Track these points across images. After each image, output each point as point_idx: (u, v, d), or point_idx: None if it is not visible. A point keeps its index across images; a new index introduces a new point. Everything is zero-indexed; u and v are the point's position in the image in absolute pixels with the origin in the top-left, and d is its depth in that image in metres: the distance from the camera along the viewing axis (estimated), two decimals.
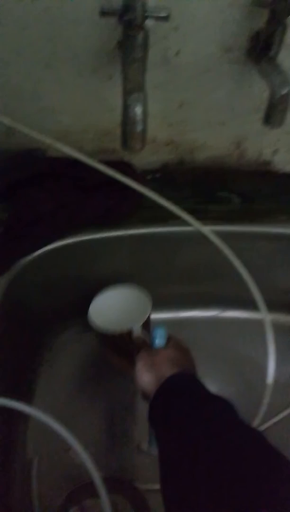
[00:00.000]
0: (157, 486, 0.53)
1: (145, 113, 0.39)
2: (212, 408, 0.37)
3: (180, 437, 0.36)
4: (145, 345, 0.51)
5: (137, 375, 0.46)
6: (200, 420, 0.36)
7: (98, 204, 0.57)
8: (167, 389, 0.41)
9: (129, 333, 0.54)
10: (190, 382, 0.42)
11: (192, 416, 0.37)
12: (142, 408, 0.60)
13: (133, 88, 0.39)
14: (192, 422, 0.36)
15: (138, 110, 0.38)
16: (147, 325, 0.57)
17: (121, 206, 0.58)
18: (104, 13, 0.39)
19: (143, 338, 0.53)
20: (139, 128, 0.38)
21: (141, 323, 0.55)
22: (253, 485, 0.29)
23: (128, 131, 0.39)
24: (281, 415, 0.61)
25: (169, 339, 0.50)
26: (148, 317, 0.57)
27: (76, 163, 0.56)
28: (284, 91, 0.42)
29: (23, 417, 0.55)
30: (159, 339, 0.50)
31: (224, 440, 0.33)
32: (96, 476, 0.42)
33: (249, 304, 0.61)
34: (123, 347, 0.55)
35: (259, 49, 0.49)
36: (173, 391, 0.41)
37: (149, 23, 0.46)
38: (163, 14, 0.41)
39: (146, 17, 0.39)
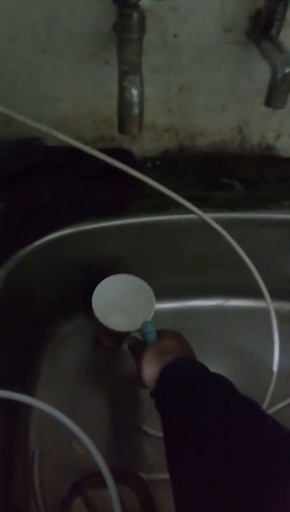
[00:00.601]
0: (161, 476, 0.53)
1: (141, 95, 0.38)
2: (212, 386, 0.38)
3: (184, 420, 0.36)
4: (139, 342, 0.53)
5: (141, 373, 0.46)
6: (202, 400, 0.36)
7: (99, 193, 0.56)
8: (167, 375, 0.42)
9: (127, 332, 0.55)
10: (189, 365, 0.43)
11: (193, 397, 0.37)
12: (145, 396, 0.60)
13: (129, 69, 0.37)
14: (193, 404, 0.36)
15: (134, 92, 0.37)
16: None
17: (122, 195, 0.57)
18: None
19: (136, 337, 0.54)
20: (135, 111, 0.37)
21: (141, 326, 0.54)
22: (258, 466, 0.29)
23: (124, 114, 0.38)
24: (286, 402, 0.61)
25: (160, 331, 0.51)
26: None
27: (75, 151, 0.55)
28: (286, 70, 0.41)
29: (25, 409, 0.55)
30: (150, 335, 0.50)
31: (228, 419, 0.33)
32: (104, 467, 0.42)
33: (253, 292, 0.60)
34: (116, 335, 0.56)
35: (260, 29, 0.47)
36: (173, 376, 0.41)
37: (145, 3, 0.45)
38: None
39: None
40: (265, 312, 0.59)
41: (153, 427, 0.58)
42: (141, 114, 0.38)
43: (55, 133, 0.54)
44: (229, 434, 0.32)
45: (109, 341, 0.60)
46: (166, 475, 0.52)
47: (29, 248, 0.53)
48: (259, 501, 0.27)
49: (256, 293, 0.59)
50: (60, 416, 0.43)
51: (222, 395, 0.37)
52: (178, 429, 0.36)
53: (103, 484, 0.42)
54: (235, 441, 0.31)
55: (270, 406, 0.58)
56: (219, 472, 0.30)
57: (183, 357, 0.44)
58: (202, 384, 0.38)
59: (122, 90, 0.37)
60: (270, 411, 0.59)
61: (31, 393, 0.58)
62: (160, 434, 0.57)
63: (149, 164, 0.63)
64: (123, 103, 0.37)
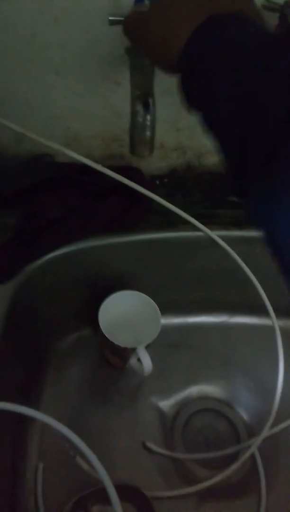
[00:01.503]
0: (164, 493, 0.53)
1: (153, 119, 0.39)
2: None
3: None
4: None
5: (143, 39, 0.33)
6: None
7: (108, 210, 0.58)
8: (200, 41, 0.27)
9: (132, 348, 0.55)
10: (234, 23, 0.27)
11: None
12: (149, 412, 0.61)
13: (141, 94, 0.39)
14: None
15: (146, 116, 0.38)
16: None
17: (131, 211, 0.58)
18: (113, 22, 0.39)
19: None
20: (147, 134, 0.39)
21: (147, 344, 0.55)
22: None
23: (136, 137, 0.39)
24: None
25: None
26: None
27: (85, 169, 0.57)
28: None
29: (29, 422, 0.55)
30: None
31: None
32: (109, 484, 0.41)
33: (258, 309, 0.60)
34: (121, 351, 0.56)
35: None
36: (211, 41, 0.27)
37: None
38: None
39: None
40: (269, 329, 0.59)
41: (156, 444, 0.58)
42: (152, 137, 0.39)
43: (66, 150, 0.55)
44: None
45: (114, 356, 0.60)
46: (168, 493, 0.53)
47: (37, 263, 0.54)
48: None
49: (261, 310, 0.60)
50: (65, 430, 0.43)
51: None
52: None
53: (107, 500, 0.42)
54: None
55: (274, 424, 0.58)
56: None
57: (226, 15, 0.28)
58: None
59: (135, 114, 0.38)
60: (274, 430, 0.59)
61: (36, 407, 0.58)
62: (163, 451, 0.57)
63: (157, 182, 0.64)
64: (135, 127, 0.39)
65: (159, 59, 0.33)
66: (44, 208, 0.56)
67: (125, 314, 0.60)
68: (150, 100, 0.38)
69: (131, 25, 0.37)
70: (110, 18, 0.38)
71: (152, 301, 0.58)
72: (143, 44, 0.34)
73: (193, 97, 0.29)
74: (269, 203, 0.23)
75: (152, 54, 0.33)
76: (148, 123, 0.38)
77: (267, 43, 0.25)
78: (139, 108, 0.38)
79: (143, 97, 0.38)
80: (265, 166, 0.23)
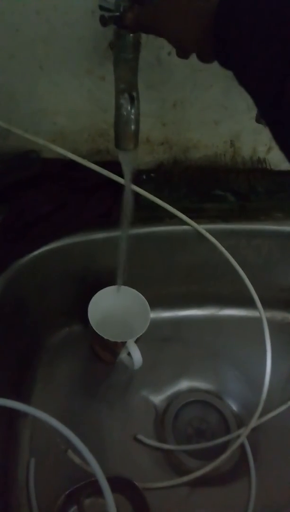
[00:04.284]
0: (156, 485, 0.53)
1: (138, 112, 0.39)
2: None
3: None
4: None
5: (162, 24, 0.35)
6: None
7: (95, 205, 0.58)
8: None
9: (122, 342, 0.55)
10: None
11: None
12: (140, 404, 0.61)
13: (125, 87, 0.39)
14: None
15: (130, 109, 0.38)
16: None
17: (118, 206, 0.58)
18: (105, 23, 0.39)
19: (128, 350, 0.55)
20: (132, 127, 0.39)
21: (136, 338, 0.55)
22: None
23: (121, 130, 0.39)
24: (278, 410, 0.61)
25: None
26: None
27: (72, 164, 0.57)
28: None
29: (20, 417, 0.56)
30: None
31: None
32: (101, 476, 0.42)
33: (246, 302, 0.61)
34: (112, 345, 0.56)
35: None
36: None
37: None
38: None
39: None
40: (257, 321, 0.60)
41: (147, 436, 0.58)
42: (137, 130, 0.39)
43: (52, 146, 0.55)
44: None
45: (104, 351, 0.61)
46: (160, 484, 0.54)
47: (26, 259, 0.54)
48: None
49: (248, 303, 0.60)
50: (56, 424, 0.43)
51: None
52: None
53: (98, 492, 0.43)
54: None
55: (262, 414, 0.59)
56: None
57: None
58: None
59: (119, 108, 0.38)
60: (262, 419, 0.60)
61: (27, 402, 0.58)
62: (155, 443, 0.58)
63: (144, 177, 0.65)
64: (120, 120, 0.39)
65: (186, 39, 0.34)
66: (32, 204, 0.56)
67: (114, 308, 0.61)
68: (134, 94, 0.39)
69: (140, 18, 0.37)
70: (102, 20, 0.37)
71: (141, 295, 0.59)
72: (165, 31, 0.36)
73: (227, 59, 0.31)
74: None
75: (178, 36, 0.35)
76: (133, 116, 0.38)
77: None
78: (124, 101, 0.38)
79: (127, 90, 0.39)
80: None
